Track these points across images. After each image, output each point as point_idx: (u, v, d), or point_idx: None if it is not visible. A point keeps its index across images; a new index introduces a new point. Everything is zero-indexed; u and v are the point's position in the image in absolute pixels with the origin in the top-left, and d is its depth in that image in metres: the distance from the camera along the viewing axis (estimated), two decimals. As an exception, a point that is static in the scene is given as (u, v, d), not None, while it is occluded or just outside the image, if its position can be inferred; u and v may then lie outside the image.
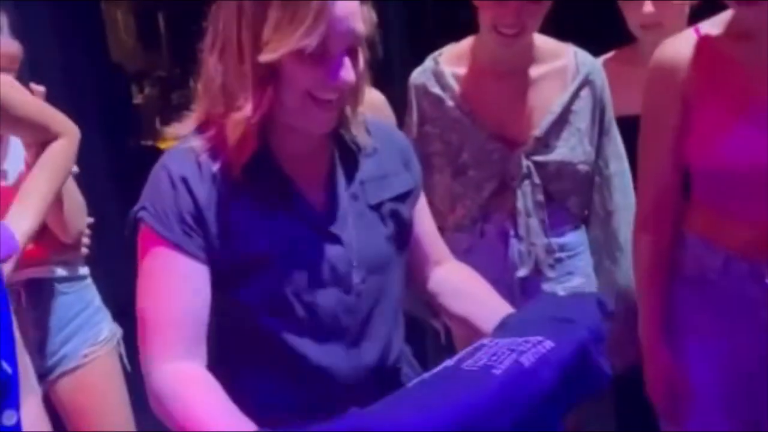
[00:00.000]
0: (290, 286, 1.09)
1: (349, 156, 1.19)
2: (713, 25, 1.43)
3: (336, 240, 1.13)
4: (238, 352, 1.14)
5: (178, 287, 1.07)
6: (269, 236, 1.09)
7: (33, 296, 1.77)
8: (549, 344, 1.02)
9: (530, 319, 1.13)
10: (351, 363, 1.15)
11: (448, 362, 1.03)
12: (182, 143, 1.13)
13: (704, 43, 1.41)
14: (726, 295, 1.45)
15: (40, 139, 1.63)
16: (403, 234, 1.22)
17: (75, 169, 1.76)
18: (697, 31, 1.45)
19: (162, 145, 6.98)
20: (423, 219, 1.31)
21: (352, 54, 1.07)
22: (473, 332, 1.22)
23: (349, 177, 1.18)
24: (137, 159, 5.56)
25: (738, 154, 1.35)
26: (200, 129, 1.13)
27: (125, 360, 1.91)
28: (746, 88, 1.36)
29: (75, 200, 1.79)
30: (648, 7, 1.81)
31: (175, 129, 1.15)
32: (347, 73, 1.05)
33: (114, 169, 4.02)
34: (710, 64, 1.40)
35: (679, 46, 1.45)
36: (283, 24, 1.01)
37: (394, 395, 0.97)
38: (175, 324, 1.05)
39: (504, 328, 1.12)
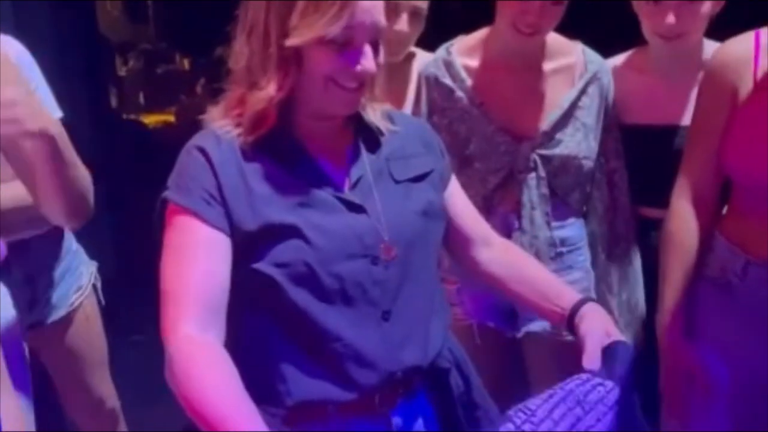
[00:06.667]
0: (315, 255, 1.10)
1: (371, 136, 1.23)
2: None
3: (360, 210, 1.16)
4: (269, 329, 1.14)
5: (196, 255, 1.09)
6: (292, 206, 1.12)
7: (20, 254, 1.74)
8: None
9: None
10: (383, 338, 1.15)
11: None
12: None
13: (762, 49, 1.42)
14: (743, 299, 1.48)
15: None
16: (433, 212, 1.24)
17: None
18: (757, 36, 1.45)
19: (146, 120, 6.95)
20: (459, 202, 1.35)
21: (374, 45, 1.13)
22: (538, 313, 1.34)
23: (372, 154, 1.22)
24: (120, 131, 5.53)
25: None
26: (227, 111, 1.18)
27: (101, 294, 1.96)
28: None
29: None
30: (670, 19, 1.68)
31: (207, 114, 1.19)
32: (368, 62, 1.11)
33: (97, 140, 3.98)
34: (762, 71, 1.40)
35: (736, 50, 1.46)
36: (309, 11, 1.07)
37: None
38: (192, 290, 1.06)
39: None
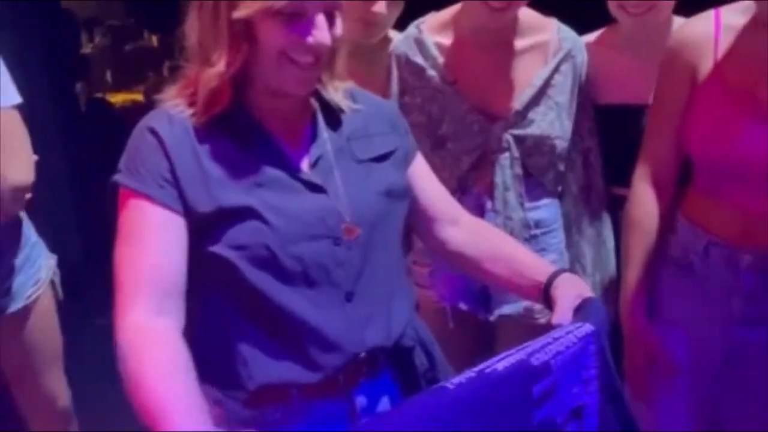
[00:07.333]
0: (275, 237, 1.08)
1: (332, 115, 1.21)
2: (735, 12, 1.42)
3: (320, 190, 1.13)
4: (229, 312, 1.11)
5: (148, 238, 1.06)
6: (248, 187, 1.09)
7: None
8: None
9: None
10: (346, 320, 1.13)
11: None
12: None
13: (722, 28, 1.41)
14: (705, 279, 1.48)
15: None
16: (396, 192, 1.21)
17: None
18: (717, 14, 1.43)
19: (112, 99, 6.81)
20: (427, 181, 1.33)
21: (330, 18, 1.09)
22: (512, 290, 1.33)
23: (334, 133, 1.19)
24: (86, 111, 5.41)
25: (735, 142, 1.36)
26: (181, 90, 1.15)
27: (59, 289, 1.90)
28: (753, 81, 1.35)
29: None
30: None
31: (162, 94, 1.15)
32: (322, 34, 1.07)
33: (61, 121, 3.89)
34: (723, 51, 1.39)
35: (696, 28, 1.44)
36: None
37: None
38: (144, 274, 1.04)
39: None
